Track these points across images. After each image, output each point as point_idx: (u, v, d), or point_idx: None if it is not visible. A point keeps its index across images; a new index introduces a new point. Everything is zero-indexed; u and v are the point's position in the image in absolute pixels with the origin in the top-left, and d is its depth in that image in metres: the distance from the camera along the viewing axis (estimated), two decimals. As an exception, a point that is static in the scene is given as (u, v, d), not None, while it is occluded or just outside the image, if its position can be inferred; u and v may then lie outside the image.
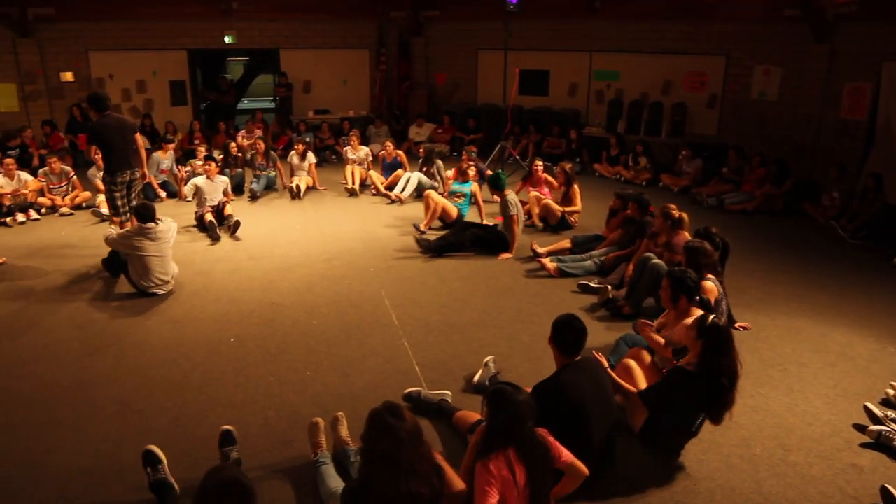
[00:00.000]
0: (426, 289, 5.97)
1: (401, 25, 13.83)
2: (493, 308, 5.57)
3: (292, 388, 4.29)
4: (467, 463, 2.98)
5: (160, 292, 5.82)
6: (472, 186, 7.96)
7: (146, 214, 5.74)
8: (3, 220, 8.19)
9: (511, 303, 5.68)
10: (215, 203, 8.08)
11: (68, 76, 12.87)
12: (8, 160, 8.63)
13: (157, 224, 5.74)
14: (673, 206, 5.69)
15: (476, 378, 4.30)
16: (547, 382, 3.30)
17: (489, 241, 6.98)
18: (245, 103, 18.67)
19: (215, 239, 7.47)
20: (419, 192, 9.26)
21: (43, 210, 8.72)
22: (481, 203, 7.97)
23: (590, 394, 3.24)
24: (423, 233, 7.55)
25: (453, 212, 7.81)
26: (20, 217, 8.34)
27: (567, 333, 3.33)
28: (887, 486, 3.18)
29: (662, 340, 4.06)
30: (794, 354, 4.80)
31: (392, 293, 5.85)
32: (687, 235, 5.53)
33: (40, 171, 8.95)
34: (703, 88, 11.36)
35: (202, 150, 9.63)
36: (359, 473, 2.67)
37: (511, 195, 6.92)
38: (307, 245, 7.25)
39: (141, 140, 6.88)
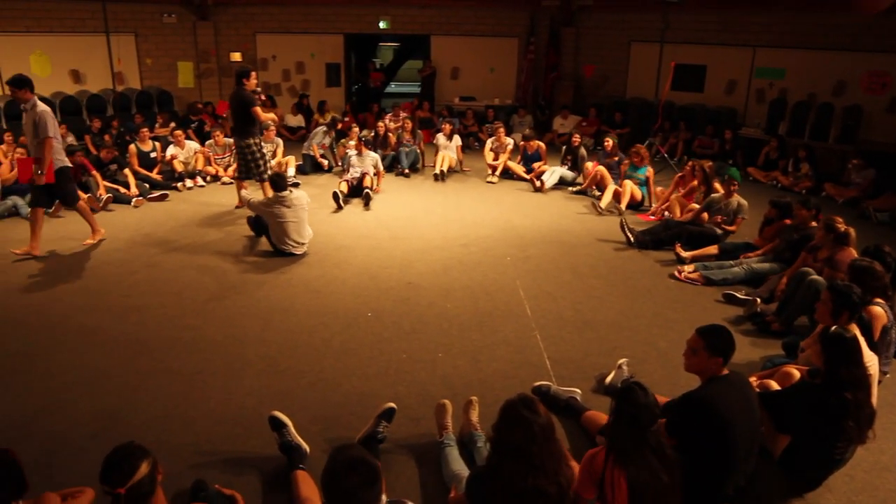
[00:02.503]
0: (562, 283, 5.87)
1: (552, 14, 13.62)
2: (630, 310, 5.37)
3: (423, 366, 4.38)
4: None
5: (297, 253, 6.35)
6: (648, 171, 8.38)
7: (280, 184, 6.27)
8: (174, 185, 9.02)
9: (649, 306, 5.45)
10: (358, 176, 8.64)
11: (237, 56, 13.89)
12: (178, 132, 9.54)
13: (290, 192, 6.26)
14: (839, 219, 5.19)
15: (608, 379, 4.17)
16: (696, 394, 3.08)
17: (696, 238, 6.76)
18: (393, 87, 19.28)
19: (339, 207, 8.16)
20: (559, 184, 9.21)
21: (207, 178, 9.51)
22: (653, 187, 8.41)
23: (739, 412, 2.96)
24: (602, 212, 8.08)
25: (638, 195, 8.31)
26: (188, 183, 9.16)
27: (724, 339, 3.08)
28: None
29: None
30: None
31: (527, 284, 5.80)
32: (853, 252, 5.01)
33: (206, 143, 9.77)
34: (884, 91, 10.24)
35: (356, 130, 10.11)
36: (487, 462, 2.66)
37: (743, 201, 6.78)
38: (446, 229, 7.37)
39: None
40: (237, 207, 7.94)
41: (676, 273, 6.09)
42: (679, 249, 6.49)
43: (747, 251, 6.36)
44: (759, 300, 5.29)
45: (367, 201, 8.32)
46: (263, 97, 7.69)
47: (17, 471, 2.37)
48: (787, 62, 11.22)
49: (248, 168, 7.70)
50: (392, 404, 3.52)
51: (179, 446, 3.51)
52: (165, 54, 13.40)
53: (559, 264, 6.34)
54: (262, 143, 7.82)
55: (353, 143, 9.84)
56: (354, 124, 10.75)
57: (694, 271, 6.06)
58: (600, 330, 4.98)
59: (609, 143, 8.98)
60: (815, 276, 4.88)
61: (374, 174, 8.87)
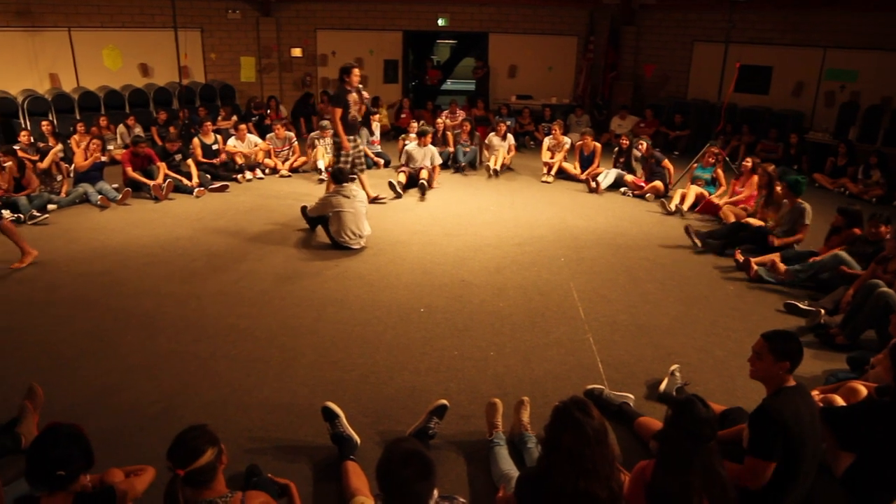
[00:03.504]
0: (616, 286, 5.78)
1: (613, 13, 13.41)
2: (686, 316, 5.25)
3: (474, 364, 4.38)
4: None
5: (354, 246, 6.44)
6: (715, 172, 8.40)
7: (340, 177, 6.51)
8: (234, 176, 9.25)
9: (706, 313, 5.31)
10: (417, 168, 8.86)
11: (297, 52, 14.15)
12: (242, 126, 9.79)
13: (349, 185, 6.51)
14: (912, 229, 4.96)
15: (662, 386, 4.08)
16: (770, 405, 2.95)
17: (761, 243, 6.58)
18: (448, 84, 19.30)
19: (397, 195, 8.47)
20: (614, 185, 9.09)
21: (266, 171, 9.73)
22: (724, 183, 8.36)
23: (808, 426, 2.84)
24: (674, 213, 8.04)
25: (704, 196, 8.24)
26: (248, 175, 9.39)
27: (791, 344, 2.94)
28: None
29: None
30: None
31: (581, 286, 5.74)
32: (928, 264, 4.79)
33: (268, 136, 10.00)
34: (968, 96, 9.73)
35: (415, 126, 10.26)
36: (538, 463, 2.64)
37: (806, 205, 6.53)
38: (500, 228, 7.35)
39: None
40: (371, 201, 7.82)
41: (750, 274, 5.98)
42: (739, 256, 6.31)
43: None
44: (823, 311, 5.10)
45: (422, 192, 8.55)
46: (366, 95, 7.73)
47: (86, 445, 2.46)
48: (860, 63, 10.74)
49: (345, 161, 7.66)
50: (444, 401, 3.54)
51: (235, 431, 3.60)
52: (229, 49, 13.74)
53: (614, 267, 6.24)
54: (358, 141, 7.74)
55: (412, 136, 10.04)
56: (413, 120, 10.84)
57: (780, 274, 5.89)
58: (654, 335, 4.89)
59: (643, 145, 8.88)
60: (885, 289, 4.67)
61: (431, 168, 9.01)
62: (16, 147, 8.28)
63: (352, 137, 7.55)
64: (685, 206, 8.08)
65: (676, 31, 13.12)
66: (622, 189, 9.03)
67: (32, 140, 8.92)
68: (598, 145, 9.80)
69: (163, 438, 3.49)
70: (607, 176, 9.13)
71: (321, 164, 9.50)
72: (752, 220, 6.98)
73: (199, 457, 2.32)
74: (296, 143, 9.99)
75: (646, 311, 5.30)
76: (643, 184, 8.83)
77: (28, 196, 7.51)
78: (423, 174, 8.81)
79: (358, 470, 3.17)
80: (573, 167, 9.71)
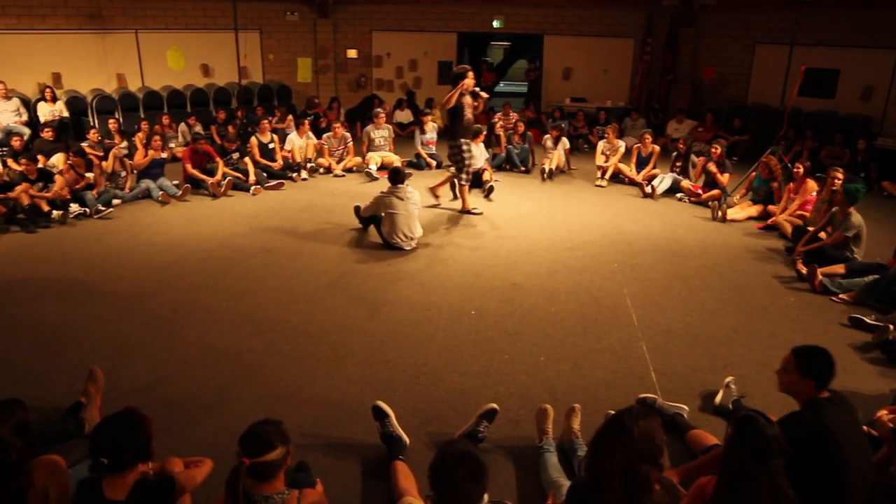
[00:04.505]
0: (671, 294, 5.64)
1: (672, 14, 13.14)
2: (744, 326, 5.09)
3: (525, 369, 4.34)
4: (685, 478, 2.75)
5: (406, 248, 6.45)
6: (772, 184, 8.12)
7: (397, 178, 6.50)
8: (290, 175, 9.42)
9: (765, 324, 5.14)
10: (477, 167, 8.84)
11: (353, 53, 14.36)
12: (304, 121, 10.02)
13: (405, 186, 6.49)
14: None
15: (717, 399, 3.96)
16: (805, 415, 2.86)
17: (823, 256, 6.33)
18: (501, 86, 19.25)
19: (455, 197, 8.39)
20: (670, 190, 8.90)
21: (321, 170, 9.88)
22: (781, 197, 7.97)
23: (850, 439, 2.71)
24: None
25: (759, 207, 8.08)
26: (304, 174, 9.55)
27: (819, 362, 2.83)
28: None
29: None
30: None
31: (634, 292, 5.63)
32: None
33: (324, 135, 10.16)
34: None
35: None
36: (587, 473, 2.58)
37: (857, 216, 6.25)
38: (552, 231, 7.27)
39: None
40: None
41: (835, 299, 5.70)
42: (801, 266, 6.08)
43: (878, 272, 5.87)
44: (891, 327, 4.86)
45: (489, 192, 8.64)
46: (485, 95, 7.72)
47: (144, 435, 2.51)
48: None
49: (457, 165, 7.70)
50: (494, 405, 3.51)
51: (286, 427, 3.63)
52: (287, 50, 14.03)
53: (669, 274, 6.10)
54: (470, 145, 7.70)
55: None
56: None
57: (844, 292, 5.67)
58: (710, 345, 4.75)
59: (717, 150, 8.55)
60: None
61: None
62: (84, 144, 8.62)
63: (465, 141, 7.50)
64: (740, 217, 7.83)
65: (737, 33, 12.77)
66: (678, 195, 8.83)
67: (100, 137, 9.27)
68: (657, 147, 9.60)
69: (216, 429, 3.60)
70: (663, 181, 8.95)
71: (373, 168, 9.58)
72: (812, 229, 6.72)
73: (269, 452, 2.36)
74: (351, 143, 10.11)
75: (701, 320, 5.16)
76: (700, 190, 8.61)
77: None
78: (486, 175, 8.91)
79: (407, 470, 3.17)
80: (629, 168, 9.56)
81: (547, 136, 10.21)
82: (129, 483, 2.44)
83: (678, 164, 9.17)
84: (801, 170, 7.62)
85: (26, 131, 9.71)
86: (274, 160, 9.51)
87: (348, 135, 10.18)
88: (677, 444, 3.57)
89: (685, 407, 3.80)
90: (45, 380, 4.10)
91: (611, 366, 4.42)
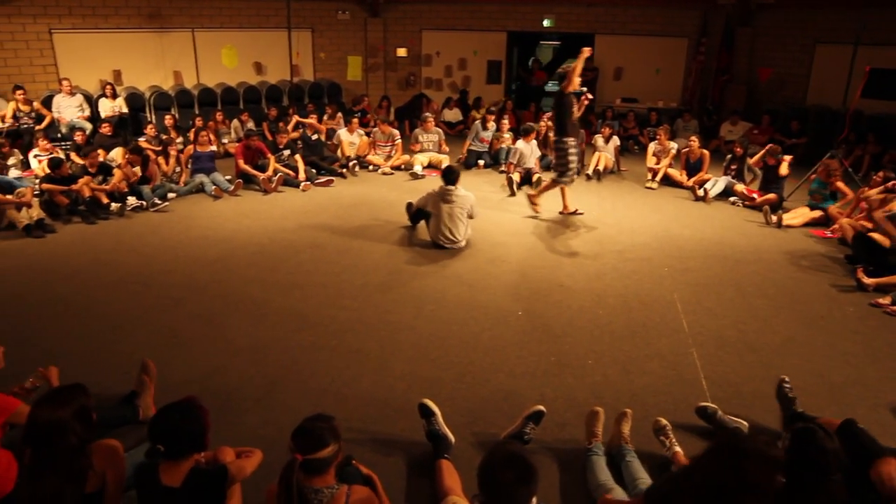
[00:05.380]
0: (723, 300, 5.50)
1: (728, 13, 12.81)
2: (800, 336, 4.92)
3: (572, 371, 4.29)
4: None
5: (448, 247, 6.44)
6: (834, 185, 7.90)
7: (448, 177, 6.44)
8: (339, 171, 9.53)
9: (822, 335, 4.95)
10: (529, 166, 9.14)
11: (402, 52, 14.42)
12: (354, 119, 10.13)
13: (455, 188, 6.36)
14: None
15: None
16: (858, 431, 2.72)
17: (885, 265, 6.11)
18: (550, 86, 19.07)
19: (512, 194, 8.63)
20: (723, 194, 8.67)
21: (370, 167, 9.97)
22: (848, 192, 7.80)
23: None
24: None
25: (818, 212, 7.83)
26: (353, 171, 9.65)
27: None
28: None
29: None
30: None
31: (685, 298, 5.50)
32: None
33: (373, 130, 10.26)
34: None
35: (505, 125, 10.35)
36: (677, 483, 2.42)
37: None
38: (601, 233, 7.17)
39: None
40: (561, 213, 7.81)
41: (879, 302, 5.48)
42: (861, 275, 5.85)
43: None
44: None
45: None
46: (590, 96, 7.76)
47: (198, 425, 2.56)
48: None
49: (560, 166, 7.58)
50: (541, 407, 3.48)
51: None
52: (337, 49, 14.18)
53: (721, 280, 5.95)
54: (574, 144, 7.51)
55: (506, 136, 10.11)
56: (504, 120, 10.79)
57: (893, 303, 5.42)
58: (764, 354, 4.61)
59: (785, 161, 8.29)
60: None
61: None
62: (141, 139, 8.89)
63: (573, 140, 7.39)
64: (796, 223, 7.60)
65: (796, 33, 12.36)
66: (731, 199, 8.60)
67: (157, 132, 9.54)
68: (706, 152, 9.36)
69: (264, 421, 3.66)
70: (716, 184, 8.73)
71: (418, 169, 9.62)
72: (876, 236, 6.46)
73: (322, 449, 2.39)
74: (399, 141, 10.17)
75: (755, 328, 5.01)
76: (756, 194, 8.37)
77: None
78: (536, 177, 8.96)
79: (452, 469, 3.16)
80: (679, 174, 9.37)
81: (598, 134, 10.09)
82: (183, 471, 2.50)
83: (733, 167, 8.93)
84: (882, 177, 7.27)
85: (88, 126, 10.07)
86: (321, 155, 9.65)
87: (396, 132, 10.26)
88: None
89: (745, 423, 3.65)
90: (101, 366, 4.25)
91: (659, 371, 4.33)
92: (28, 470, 2.53)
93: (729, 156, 9.17)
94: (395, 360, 4.39)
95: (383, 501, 2.69)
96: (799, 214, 7.82)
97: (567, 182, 7.50)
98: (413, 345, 4.59)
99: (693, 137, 9.49)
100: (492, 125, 10.53)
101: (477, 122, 10.84)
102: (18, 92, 9.94)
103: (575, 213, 7.77)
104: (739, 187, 8.61)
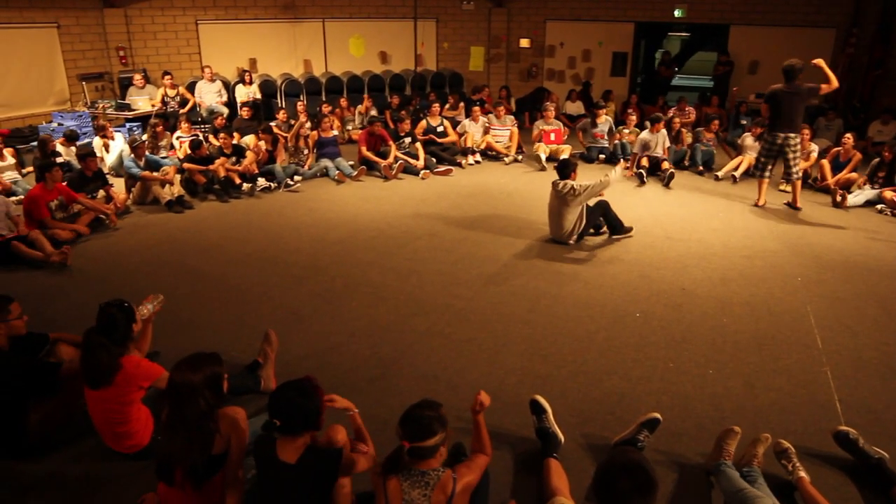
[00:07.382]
0: (864, 317, 5.04)
1: (886, 1, 11.67)
2: (956, 361, 4.43)
3: (690, 380, 4.09)
4: None
5: (562, 242, 6.37)
6: None
7: (561, 170, 6.37)
8: (458, 161, 9.61)
9: (984, 361, 4.44)
10: (657, 154, 9.13)
11: (525, 42, 14.29)
12: (475, 108, 10.19)
13: (561, 182, 6.24)
14: None
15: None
16: None
17: None
18: (677, 80, 18.27)
19: (642, 182, 8.73)
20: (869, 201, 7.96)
21: (491, 152, 10.02)
22: None
23: None
24: None
25: None
26: (471, 159, 9.72)
27: None
28: None
29: None
30: None
31: (820, 311, 5.09)
32: None
33: (488, 116, 10.30)
34: None
35: (633, 119, 10.02)
36: None
37: None
38: (727, 236, 6.77)
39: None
40: (790, 206, 7.79)
41: None
42: None
43: None
44: None
45: (669, 181, 8.65)
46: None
47: (313, 404, 2.62)
48: None
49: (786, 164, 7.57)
50: (657, 414, 3.34)
51: (443, 409, 3.71)
52: (461, 39, 14.27)
53: (862, 294, 5.46)
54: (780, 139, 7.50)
55: (626, 131, 9.91)
56: (635, 115, 10.43)
57: None
58: (912, 380, 4.19)
59: None
60: None
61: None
62: (272, 124, 9.36)
63: (783, 136, 7.45)
64: None
65: (969, 24, 11.10)
66: (878, 206, 7.86)
67: (287, 118, 10.01)
68: (859, 154, 8.58)
69: (376, 402, 3.75)
70: (859, 195, 7.98)
71: (542, 156, 9.51)
72: None
73: (429, 438, 2.43)
74: (515, 128, 10.13)
75: (902, 349, 4.57)
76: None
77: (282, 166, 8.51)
78: (665, 164, 8.92)
79: (560, 469, 3.11)
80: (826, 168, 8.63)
81: (747, 133, 9.50)
82: (299, 447, 2.59)
83: (880, 173, 8.14)
84: None
85: (226, 111, 10.73)
86: (442, 146, 9.79)
87: (513, 119, 10.25)
88: (872, 496, 3.17)
89: (886, 455, 3.31)
90: (228, 336, 4.53)
91: (787, 389, 4.04)
92: (164, 427, 2.74)
93: (876, 160, 8.37)
94: (507, 353, 4.37)
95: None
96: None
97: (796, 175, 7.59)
98: (526, 339, 4.55)
99: (848, 135, 8.71)
100: (602, 119, 10.18)
101: (586, 119, 10.54)
102: (166, 77, 10.78)
103: (795, 206, 7.77)
104: (889, 193, 7.85)
